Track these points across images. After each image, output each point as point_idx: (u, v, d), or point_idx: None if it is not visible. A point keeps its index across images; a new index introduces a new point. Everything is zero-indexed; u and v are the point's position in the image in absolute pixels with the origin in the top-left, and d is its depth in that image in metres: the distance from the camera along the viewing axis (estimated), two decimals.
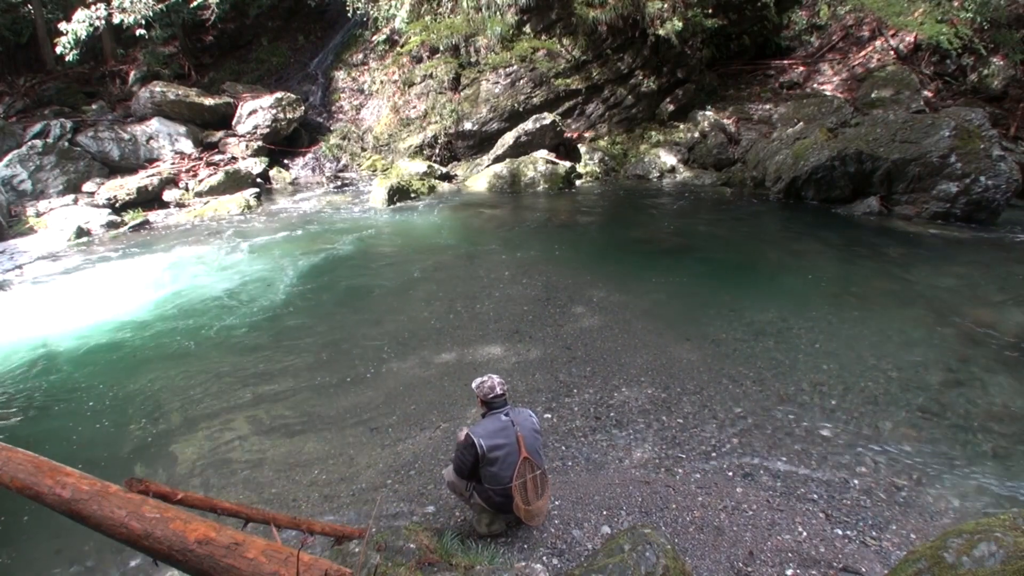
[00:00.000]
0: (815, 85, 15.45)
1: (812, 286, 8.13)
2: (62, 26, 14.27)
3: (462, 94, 15.19)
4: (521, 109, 14.53)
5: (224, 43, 19.50)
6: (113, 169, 14.21)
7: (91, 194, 13.20)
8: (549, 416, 5.37)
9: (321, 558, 2.11)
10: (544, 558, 3.51)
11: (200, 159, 14.88)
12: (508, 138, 14.11)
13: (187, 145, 15.10)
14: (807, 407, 5.38)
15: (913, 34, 14.17)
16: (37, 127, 14.10)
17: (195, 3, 15.67)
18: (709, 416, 5.28)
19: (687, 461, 4.71)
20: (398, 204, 12.96)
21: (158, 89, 15.33)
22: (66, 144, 13.79)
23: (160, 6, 15.31)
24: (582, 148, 14.74)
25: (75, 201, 12.96)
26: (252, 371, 6.53)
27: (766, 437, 4.98)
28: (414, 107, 15.77)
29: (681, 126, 15.00)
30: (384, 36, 17.30)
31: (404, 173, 14.10)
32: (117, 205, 12.83)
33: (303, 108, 16.27)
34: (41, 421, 5.80)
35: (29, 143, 13.40)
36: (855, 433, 5.02)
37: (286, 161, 16.03)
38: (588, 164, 14.42)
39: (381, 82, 16.88)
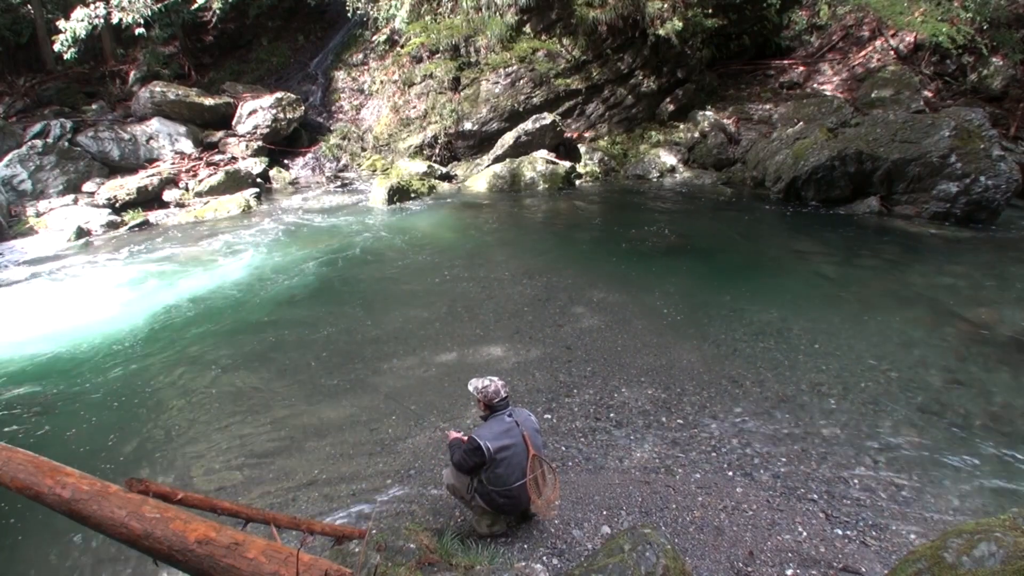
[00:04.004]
0: (815, 85, 15.44)
1: (812, 286, 8.14)
2: (61, 24, 14.27)
3: (462, 94, 15.18)
4: (521, 109, 14.52)
5: (224, 43, 19.50)
6: (113, 169, 14.20)
7: (91, 194, 13.20)
8: (549, 416, 5.37)
9: (321, 558, 2.11)
10: (544, 558, 3.51)
11: (200, 159, 14.87)
12: (508, 138, 14.10)
13: (187, 145, 15.10)
14: (807, 407, 5.38)
15: (913, 34, 14.16)
16: (37, 127, 14.10)
17: (196, 5, 15.68)
18: (709, 416, 5.28)
19: (687, 461, 4.71)
20: (398, 204, 12.95)
21: (158, 89, 15.33)
22: (66, 144, 13.78)
23: (159, 6, 15.31)
24: (582, 148, 14.74)
25: (75, 201, 12.96)
26: (251, 371, 6.53)
27: (766, 437, 4.98)
28: (414, 107, 15.76)
29: (681, 126, 15.00)
30: (384, 36, 17.29)
31: (404, 173, 14.09)
32: (117, 205, 12.83)
33: (303, 108, 16.27)
34: (41, 421, 5.80)
35: (29, 143, 13.39)
36: (855, 433, 5.02)
37: (286, 161, 16.03)
38: (588, 164, 14.41)
39: (381, 82, 16.88)
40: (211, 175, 14.05)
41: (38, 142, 13.41)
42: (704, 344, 6.54)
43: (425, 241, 10.64)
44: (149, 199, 13.36)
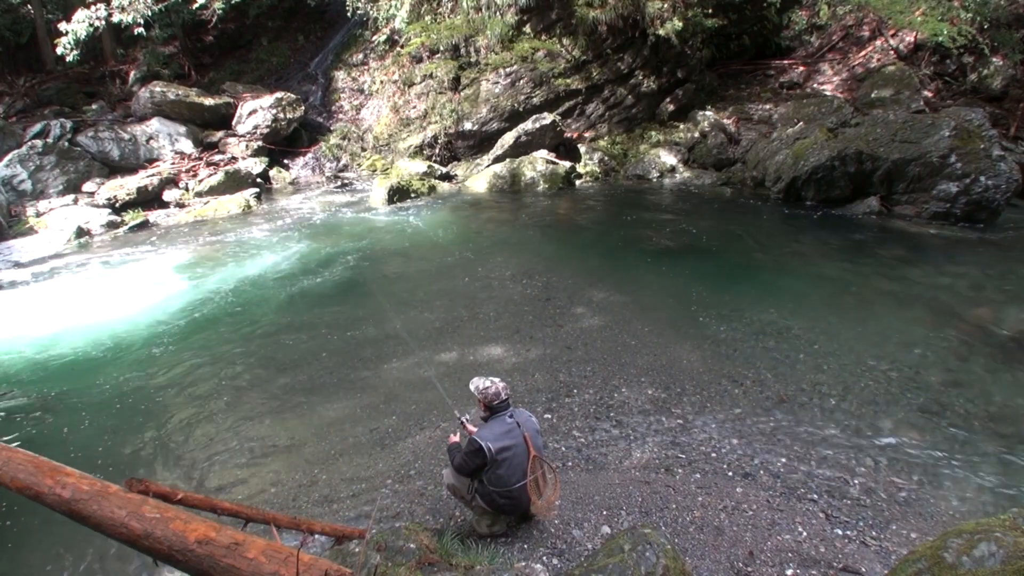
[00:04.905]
0: (815, 85, 15.44)
1: (812, 286, 8.13)
2: (62, 26, 14.28)
3: (462, 94, 15.19)
4: (521, 109, 14.52)
5: (224, 43, 19.50)
6: (113, 169, 14.21)
7: (91, 194, 13.21)
8: (549, 416, 5.37)
9: (321, 558, 2.11)
10: (544, 558, 3.51)
11: (200, 159, 14.88)
12: (508, 138, 14.10)
13: (187, 145, 15.10)
14: (807, 407, 5.38)
15: (913, 34, 14.17)
16: (37, 127, 14.10)
17: (196, 4, 15.69)
18: (709, 416, 5.28)
19: (687, 461, 4.71)
20: (398, 204, 12.96)
21: (158, 89, 15.33)
22: (66, 144, 13.79)
23: (160, 6, 15.32)
24: (582, 148, 14.74)
25: (75, 201, 12.96)
26: (251, 371, 6.53)
27: (766, 437, 4.98)
28: (414, 107, 15.77)
29: (681, 126, 14.99)
30: (384, 36, 17.29)
31: (404, 173, 14.09)
32: (117, 205, 12.84)
33: (303, 108, 16.28)
34: (41, 421, 5.80)
35: (29, 143, 13.40)
36: (855, 433, 5.02)
37: (286, 161, 16.03)
38: (588, 164, 14.41)
39: (381, 82, 16.88)
40: (211, 175, 14.05)
41: (38, 142, 13.41)
42: (704, 344, 6.54)
43: (425, 241, 10.64)
44: (149, 199, 13.36)
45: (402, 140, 15.53)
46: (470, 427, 3.80)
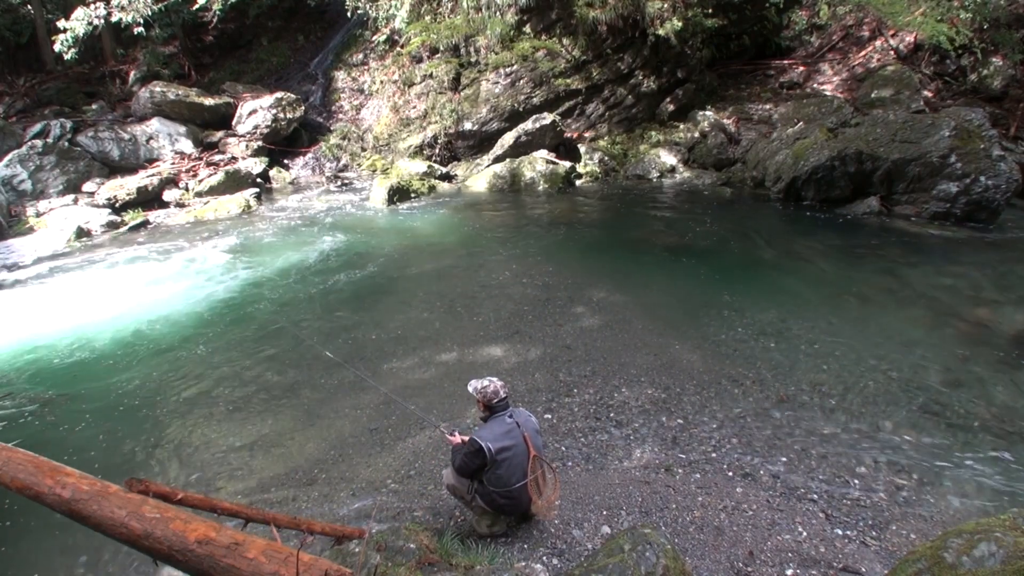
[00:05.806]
0: (815, 85, 15.44)
1: (812, 286, 8.13)
2: (61, 24, 14.28)
3: (462, 94, 15.18)
4: (521, 109, 14.52)
5: (224, 43, 19.51)
6: (113, 169, 14.21)
7: (91, 194, 13.21)
8: (549, 416, 5.37)
9: (321, 558, 2.10)
10: (544, 558, 3.51)
11: (200, 159, 14.88)
12: (508, 138, 14.10)
13: (187, 145, 15.10)
14: (807, 407, 5.38)
15: (913, 34, 14.17)
16: (37, 127, 14.11)
17: (196, 5, 15.69)
18: (709, 416, 5.28)
19: (687, 461, 4.71)
20: (398, 204, 12.96)
21: (158, 89, 15.33)
22: (66, 144, 13.79)
23: (159, 6, 15.32)
24: (582, 148, 14.74)
25: (75, 201, 12.97)
26: (251, 372, 6.53)
27: (766, 437, 4.98)
28: (414, 107, 15.77)
29: (681, 126, 14.99)
30: (384, 36, 17.30)
31: (404, 173, 14.10)
32: (117, 205, 12.84)
33: (303, 108, 16.28)
34: (40, 421, 5.80)
35: (29, 143, 13.40)
36: (855, 433, 5.02)
37: (286, 161, 16.03)
38: (588, 164, 14.41)
39: (381, 82, 16.88)
40: (211, 175, 14.06)
41: (38, 142, 13.41)
42: (704, 344, 6.54)
43: (425, 241, 10.64)
44: (149, 199, 13.37)
45: (402, 140, 15.53)
46: (461, 438, 3.80)
